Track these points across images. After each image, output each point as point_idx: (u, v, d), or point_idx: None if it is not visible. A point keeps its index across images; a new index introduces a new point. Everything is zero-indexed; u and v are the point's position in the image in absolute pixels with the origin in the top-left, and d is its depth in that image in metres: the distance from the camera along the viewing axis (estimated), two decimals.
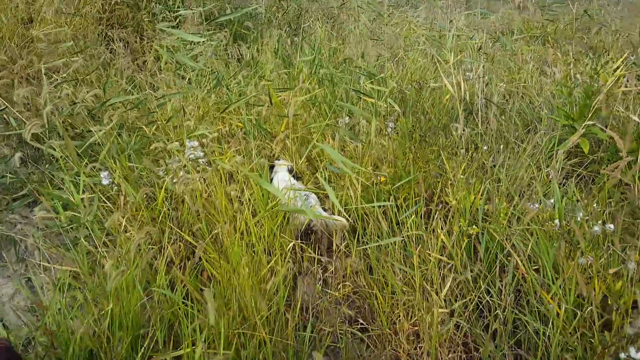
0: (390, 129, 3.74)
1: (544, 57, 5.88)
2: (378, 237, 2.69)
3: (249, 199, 2.73)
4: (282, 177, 3.43)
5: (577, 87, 4.14)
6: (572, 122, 3.46)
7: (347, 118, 3.82)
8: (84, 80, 3.79)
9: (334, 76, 4.41)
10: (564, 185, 3.13)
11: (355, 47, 4.83)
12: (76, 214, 2.45)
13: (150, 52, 4.66)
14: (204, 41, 3.96)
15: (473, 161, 3.16)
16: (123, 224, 2.33)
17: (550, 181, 2.96)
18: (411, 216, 2.56)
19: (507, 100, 4.52)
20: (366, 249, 2.72)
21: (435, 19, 6.62)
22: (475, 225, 2.53)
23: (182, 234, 2.38)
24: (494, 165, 3.14)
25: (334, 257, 2.84)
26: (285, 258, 2.54)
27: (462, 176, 2.92)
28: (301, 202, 3.03)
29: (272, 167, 3.75)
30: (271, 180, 3.59)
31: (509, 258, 2.39)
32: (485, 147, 3.24)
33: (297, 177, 3.63)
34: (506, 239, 2.42)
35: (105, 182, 2.35)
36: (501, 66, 5.37)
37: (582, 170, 3.31)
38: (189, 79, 4.43)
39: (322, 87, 4.05)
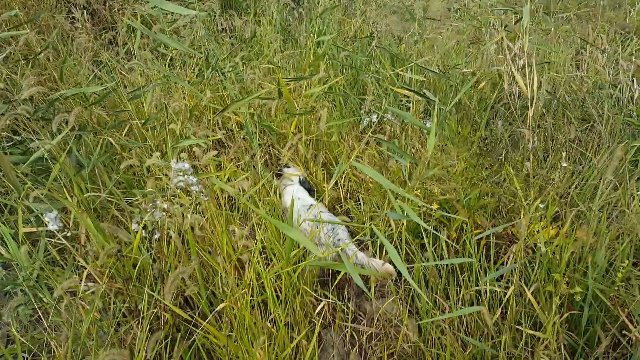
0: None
1: (579, 38, 5.13)
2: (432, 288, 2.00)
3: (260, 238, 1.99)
4: (296, 193, 2.68)
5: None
6: None
7: (374, 115, 3.05)
8: (33, 61, 2.90)
9: (356, 60, 3.60)
10: None
11: (375, 20, 4.00)
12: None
13: (121, 23, 3.75)
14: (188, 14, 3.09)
15: (550, 182, 2.45)
16: (80, 290, 1.57)
17: None
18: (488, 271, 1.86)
19: (554, 90, 3.81)
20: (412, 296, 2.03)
21: None
22: (577, 285, 1.84)
23: (168, 305, 1.64)
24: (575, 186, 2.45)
25: (372, 309, 2.15)
26: (313, 330, 1.83)
27: (541, 205, 2.23)
28: (327, 235, 2.30)
29: (278, 175, 2.99)
30: (280, 193, 2.84)
31: (624, 333, 1.73)
32: (564, 164, 2.53)
33: (310, 190, 2.88)
34: (621, 307, 1.76)
35: (52, 227, 1.58)
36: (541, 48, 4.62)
37: None
38: (171, 58, 3.56)
39: (341, 75, 3.25)
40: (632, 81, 3.41)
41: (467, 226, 2.32)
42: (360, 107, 3.70)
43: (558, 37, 5.07)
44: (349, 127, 3.28)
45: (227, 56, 3.22)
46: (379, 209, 2.70)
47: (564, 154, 3.01)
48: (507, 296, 1.80)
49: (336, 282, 2.04)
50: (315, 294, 2.04)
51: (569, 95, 3.76)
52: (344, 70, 3.40)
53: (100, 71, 3.14)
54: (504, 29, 4.62)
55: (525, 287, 1.79)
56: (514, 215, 2.42)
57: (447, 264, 2.20)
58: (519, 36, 4.20)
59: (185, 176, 1.72)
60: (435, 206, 2.26)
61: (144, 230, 1.74)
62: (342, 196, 2.87)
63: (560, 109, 3.38)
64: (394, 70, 3.75)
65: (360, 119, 3.12)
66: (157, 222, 1.69)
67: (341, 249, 2.24)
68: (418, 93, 2.33)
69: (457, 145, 2.48)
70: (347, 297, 2.23)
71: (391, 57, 3.95)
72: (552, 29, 5.13)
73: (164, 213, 1.70)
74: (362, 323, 2.13)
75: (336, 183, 2.94)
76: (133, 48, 2.71)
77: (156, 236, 1.65)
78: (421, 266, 2.09)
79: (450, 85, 3.69)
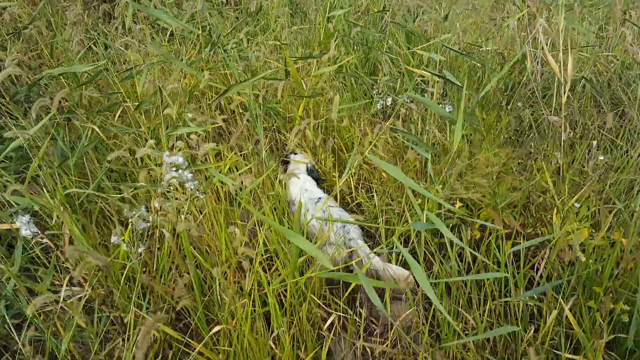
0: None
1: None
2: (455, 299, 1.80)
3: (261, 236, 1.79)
4: (303, 184, 2.47)
5: None
6: None
7: (389, 98, 2.79)
8: (20, 36, 2.67)
9: (367, 36, 3.32)
10: None
11: None
12: None
13: None
14: None
15: (584, 177, 2.21)
16: (59, 302, 1.39)
17: None
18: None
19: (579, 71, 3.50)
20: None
21: None
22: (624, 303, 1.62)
23: (162, 326, 1.45)
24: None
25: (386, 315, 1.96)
26: (321, 344, 1.64)
27: (576, 204, 2.00)
28: (337, 234, 2.10)
29: (284, 162, 2.77)
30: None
31: None
32: (601, 157, 2.28)
33: (318, 179, 2.66)
34: None
35: (25, 232, 1.38)
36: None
37: None
38: (172, 33, 3.31)
39: (353, 53, 2.98)
40: None
41: (492, 225, 2.10)
42: (372, 88, 3.44)
43: (581, 12, 4.68)
44: (361, 109, 3.03)
45: (230, 31, 2.96)
46: (392, 201, 2.48)
47: (594, 142, 2.75)
48: (543, 315, 1.60)
49: (347, 293, 1.84)
50: (323, 302, 1.85)
51: (595, 76, 3.46)
52: (356, 48, 3.12)
53: (95, 46, 2.90)
54: (525, 4, 4.27)
55: (562, 303, 1.58)
56: (544, 213, 2.20)
57: (469, 263, 2.00)
58: (540, 12, 3.85)
59: (179, 171, 1.51)
60: (458, 204, 2.04)
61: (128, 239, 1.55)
62: (352, 185, 2.65)
63: (589, 91, 3.09)
64: (409, 48, 3.47)
65: (372, 101, 2.87)
66: (141, 232, 1.49)
67: (352, 251, 2.05)
68: (440, 76, 2.07)
69: (483, 136, 2.23)
70: (359, 301, 2.04)
71: (406, 34, 3.65)
72: (576, 3, 4.75)
73: (150, 221, 1.50)
74: (375, 333, 1.94)
75: (342, 164, 2.73)
76: (127, 21, 2.47)
77: (140, 250, 1.45)
78: (444, 278, 1.89)
79: (471, 66, 3.41)
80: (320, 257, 1.32)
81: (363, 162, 2.70)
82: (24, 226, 1.37)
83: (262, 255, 1.73)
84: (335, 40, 2.55)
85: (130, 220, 1.44)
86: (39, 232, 1.38)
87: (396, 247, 1.43)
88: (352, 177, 2.67)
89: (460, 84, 1.93)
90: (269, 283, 1.57)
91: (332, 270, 1.41)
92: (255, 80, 1.94)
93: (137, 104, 2.20)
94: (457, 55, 3.04)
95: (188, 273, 1.54)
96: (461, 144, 2.42)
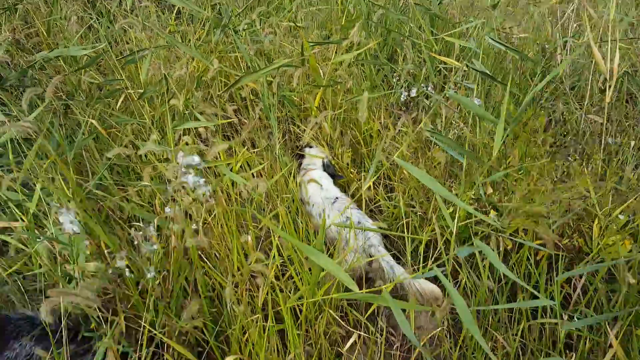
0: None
1: None
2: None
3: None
4: (318, 181, 2.28)
5: None
6: None
7: (414, 89, 2.58)
8: (15, 10, 2.46)
9: (387, 18, 3.08)
10: None
11: None
12: None
13: None
14: None
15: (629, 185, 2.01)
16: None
17: None
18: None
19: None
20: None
21: None
22: None
23: (167, 340, 1.30)
24: None
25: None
26: None
27: (620, 216, 1.82)
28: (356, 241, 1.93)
29: (299, 156, 2.59)
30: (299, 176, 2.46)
31: None
32: None
33: (334, 175, 2.48)
34: None
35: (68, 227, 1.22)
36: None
37: None
38: (179, 11, 3.09)
39: (374, 38, 2.76)
40: None
41: (525, 236, 1.93)
42: (392, 76, 3.22)
43: None
44: (381, 99, 2.83)
45: (242, 11, 2.74)
46: (413, 200, 2.30)
47: (632, 142, 2.55)
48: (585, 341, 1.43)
49: (369, 311, 1.68)
50: (340, 315, 1.70)
51: (629, 69, 3.20)
52: (376, 33, 2.90)
53: (97, 24, 2.69)
54: None
55: (609, 331, 1.42)
56: (582, 223, 2.01)
57: (500, 277, 1.83)
58: None
59: (192, 176, 1.34)
60: (492, 212, 1.85)
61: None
62: (370, 184, 2.47)
63: (625, 86, 2.86)
64: (433, 33, 3.23)
65: (393, 91, 2.66)
66: (148, 255, 1.32)
67: (371, 260, 1.88)
68: (483, 73, 1.86)
69: (521, 137, 2.02)
70: (376, 309, 1.89)
71: (430, 17, 3.41)
72: None
73: (155, 246, 1.33)
74: (396, 347, 1.80)
75: (364, 169, 2.54)
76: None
77: (150, 275, 1.29)
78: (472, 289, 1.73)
79: (498, 54, 3.16)
80: (346, 280, 1.16)
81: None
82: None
83: (277, 266, 1.57)
84: (357, 25, 2.33)
85: (135, 242, 1.28)
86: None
87: (430, 269, 1.27)
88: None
89: (500, 82, 1.73)
90: (284, 301, 1.41)
91: (353, 290, 1.24)
92: (270, 69, 1.74)
93: (140, 91, 2.02)
94: (488, 44, 2.81)
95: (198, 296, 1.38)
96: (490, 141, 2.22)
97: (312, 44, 2.22)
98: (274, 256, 1.51)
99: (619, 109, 2.82)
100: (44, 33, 2.47)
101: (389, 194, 2.46)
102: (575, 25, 3.46)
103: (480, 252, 1.87)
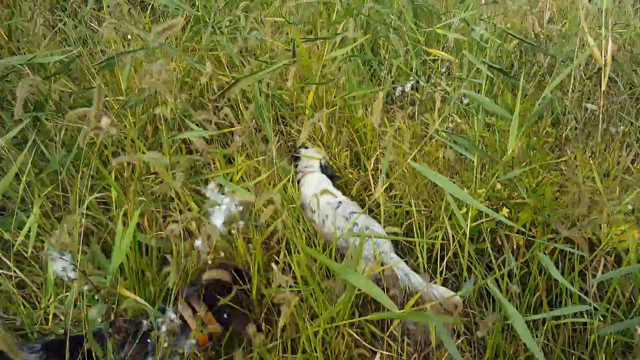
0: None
1: None
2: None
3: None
4: (319, 185, 2.16)
5: None
6: None
7: (409, 84, 2.48)
8: None
9: (374, 12, 2.96)
10: None
11: None
12: None
13: None
14: None
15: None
16: None
17: None
18: None
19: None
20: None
21: None
22: None
23: None
24: None
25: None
26: None
27: (630, 206, 1.77)
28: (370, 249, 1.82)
29: (294, 158, 2.45)
30: (298, 183, 2.32)
31: None
32: None
33: (332, 176, 2.36)
34: None
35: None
36: None
37: None
38: (152, 6, 2.88)
39: (364, 32, 2.64)
40: None
41: (535, 230, 1.87)
42: (380, 69, 3.12)
43: None
44: (373, 95, 2.71)
45: (224, 5, 2.57)
46: (418, 199, 2.21)
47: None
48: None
49: (392, 327, 1.57)
50: (356, 330, 1.59)
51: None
52: (366, 27, 2.78)
53: (65, 25, 2.46)
54: None
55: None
56: (589, 214, 1.96)
57: (510, 272, 1.77)
58: None
59: (232, 219, 1.17)
60: (504, 210, 1.78)
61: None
62: (371, 183, 2.36)
63: (622, 74, 2.85)
64: (418, 26, 3.12)
65: (382, 87, 2.56)
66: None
67: (384, 268, 1.78)
68: (503, 71, 1.77)
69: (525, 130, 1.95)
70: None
71: (414, 9, 3.30)
72: None
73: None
74: (414, 357, 1.70)
75: (363, 166, 2.43)
76: None
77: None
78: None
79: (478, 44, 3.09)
80: (387, 302, 1.05)
81: (381, 155, 2.41)
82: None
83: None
84: (347, 19, 2.21)
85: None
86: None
87: (478, 280, 1.17)
88: (371, 172, 2.38)
89: (514, 78, 1.65)
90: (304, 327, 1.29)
91: (392, 310, 1.13)
92: (269, 71, 1.60)
93: (120, 98, 1.83)
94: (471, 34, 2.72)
95: None
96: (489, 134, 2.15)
97: (305, 40, 2.08)
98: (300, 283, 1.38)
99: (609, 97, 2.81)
100: (4, 36, 2.24)
101: (389, 193, 2.36)
102: (549, 13, 3.44)
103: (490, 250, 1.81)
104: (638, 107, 2.63)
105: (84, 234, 1.56)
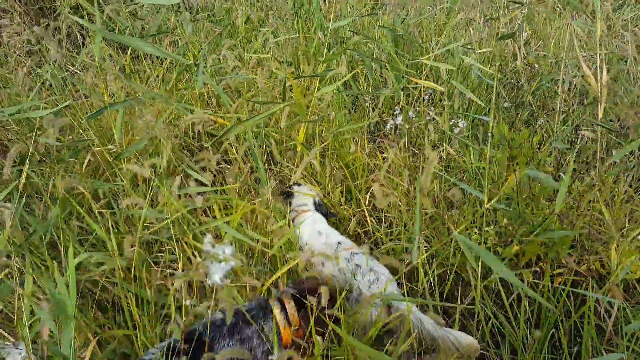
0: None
1: None
2: None
3: None
4: (315, 225, 2.12)
5: None
6: None
7: (399, 118, 2.50)
8: None
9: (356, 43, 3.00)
10: None
11: None
12: None
13: None
14: None
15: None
16: None
17: None
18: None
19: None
20: None
21: None
22: None
23: None
24: None
25: None
26: None
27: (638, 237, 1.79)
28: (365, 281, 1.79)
29: (287, 194, 2.40)
30: (292, 220, 2.27)
31: None
32: None
33: (327, 214, 2.33)
34: None
35: None
36: None
37: None
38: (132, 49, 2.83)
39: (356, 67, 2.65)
40: None
41: (544, 264, 1.87)
42: (364, 100, 3.14)
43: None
44: (362, 129, 2.71)
45: (207, 45, 2.55)
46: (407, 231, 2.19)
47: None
48: None
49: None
50: None
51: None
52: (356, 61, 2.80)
53: (42, 71, 2.39)
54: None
55: None
56: (597, 246, 1.97)
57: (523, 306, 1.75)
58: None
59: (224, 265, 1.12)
60: (515, 247, 1.77)
61: None
62: (367, 214, 2.34)
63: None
64: (397, 54, 3.17)
65: (369, 120, 2.57)
66: None
67: (391, 309, 1.73)
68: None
69: (520, 160, 1.97)
70: None
71: (394, 39, 3.36)
72: None
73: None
74: None
75: (356, 200, 2.41)
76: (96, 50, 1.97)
77: None
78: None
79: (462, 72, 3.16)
80: None
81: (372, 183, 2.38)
82: None
83: None
84: (339, 56, 2.22)
85: None
86: None
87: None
88: (365, 206, 2.35)
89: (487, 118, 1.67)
90: None
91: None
92: (261, 118, 1.58)
93: (111, 147, 1.77)
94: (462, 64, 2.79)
95: None
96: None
97: (297, 78, 2.07)
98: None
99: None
100: None
101: (387, 229, 2.34)
102: (525, 34, 3.55)
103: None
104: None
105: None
